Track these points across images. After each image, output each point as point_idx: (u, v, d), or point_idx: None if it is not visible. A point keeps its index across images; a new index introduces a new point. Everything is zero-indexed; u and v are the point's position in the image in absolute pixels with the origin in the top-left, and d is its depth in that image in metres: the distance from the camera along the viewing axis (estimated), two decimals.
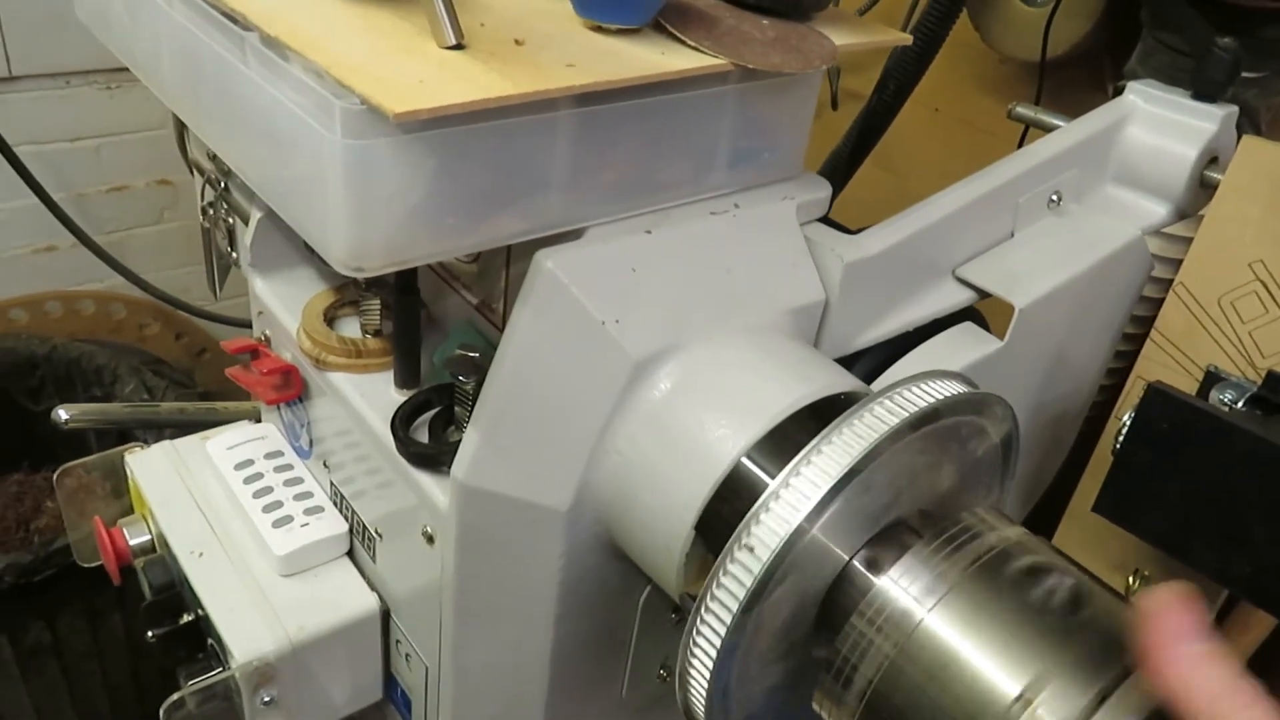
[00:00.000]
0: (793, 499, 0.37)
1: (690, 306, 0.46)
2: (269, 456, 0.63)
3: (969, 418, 0.42)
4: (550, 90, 0.39)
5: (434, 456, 0.49)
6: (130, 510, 0.66)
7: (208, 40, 0.45)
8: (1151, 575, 0.71)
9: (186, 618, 0.58)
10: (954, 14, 0.78)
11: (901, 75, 0.80)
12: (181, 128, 0.73)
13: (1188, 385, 0.67)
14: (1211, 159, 0.65)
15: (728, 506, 0.41)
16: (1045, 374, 0.62)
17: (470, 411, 0.48)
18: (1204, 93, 0.65)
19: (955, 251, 0.57)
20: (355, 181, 0.38)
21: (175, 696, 0.54)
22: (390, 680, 0.60)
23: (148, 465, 0.65)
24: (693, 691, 0.39)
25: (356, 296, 0.60)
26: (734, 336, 0.47)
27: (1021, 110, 0.74)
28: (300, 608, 0.56)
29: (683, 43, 0.45)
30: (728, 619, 0.37)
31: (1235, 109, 0.65)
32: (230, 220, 0.67)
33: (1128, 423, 0.62)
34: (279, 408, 0.64)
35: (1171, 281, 0.68)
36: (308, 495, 0.61)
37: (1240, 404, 0.64)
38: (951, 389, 0.40)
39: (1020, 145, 0.82)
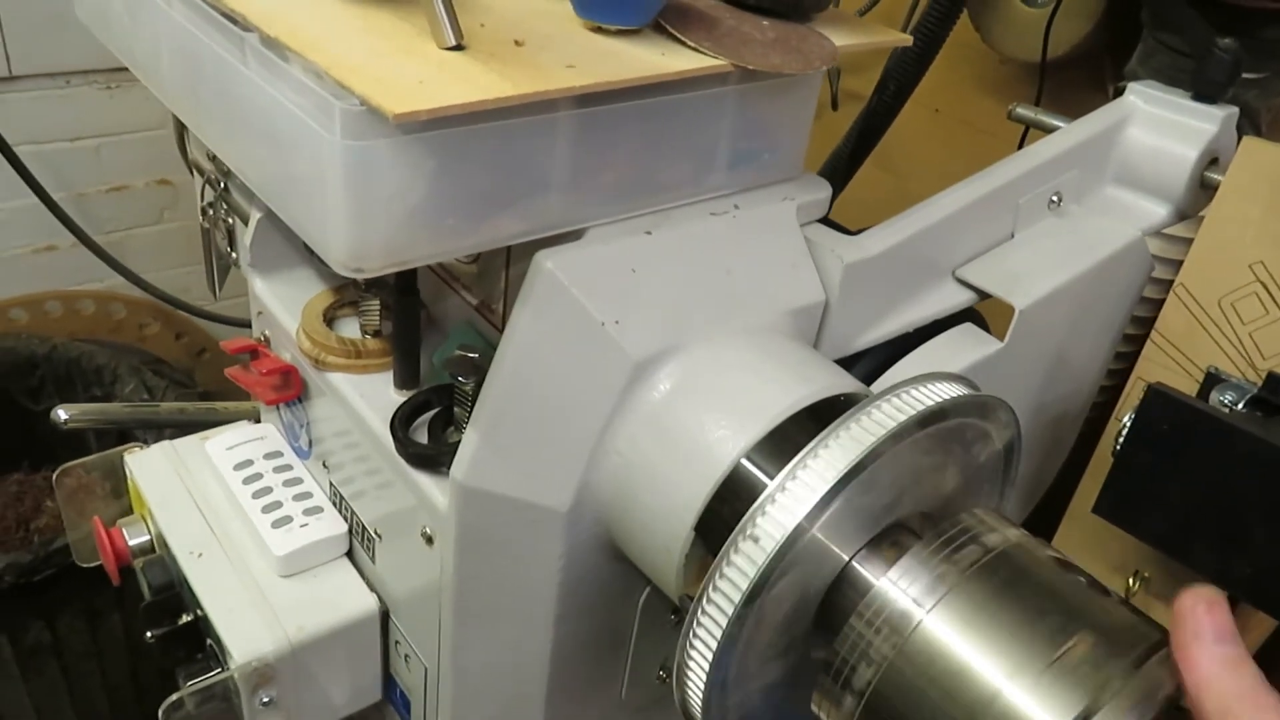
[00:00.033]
0: (798, 493, 0.37)
1: (690, 307, 0.46)
2: (268, 457, 0.63)
3: (974, 420, 0.42)
4: (550, 91, 0.39)
5: (433, 457, 0.49)
6: (129, 510, 0.66)
7: (207, 41, 0.45)
8: (1151, 577, 0.71)
9: (185, 618, 0.58)
10: (954, 15, 0.78)
11: (902, 76, 0.80)
12: (181, 128, 0.73)
13: (1188, 386, 0.67)
14: (1212, 160, 0.65)
15: (727, 507, 0.41)
16: (1045, 375, 0.62)
17: (470, 412, 0.48)
18: (1204, 94, 0.65)
19: (955, 252, 0.57)
20: (355, 182, 0.38)
21: (174, 697, 0.54)
22: (389, 681, 0.60)
23: (147, 465, 0.65)
24: (690, 687, 0.39)
25: (356, 297, 0.60)
26: (734, 337, 0.47)
27: (1022, 111, 0.73)
28: (299, 608, 0.56)
29: (683, 44, 0.45)
30: (729, 609, 0.37)
31: (1235, 110, 0.65)
32: (230, 220, 0.67)
33: (1128, 424, 0.62)
34: (278, 408, 0.64)
35: (1172, 282, 0.68)
36: (307, 496, 0.61)
37: (1240, 405, 0.64)
38: (955, 390, 0.40)
39: (1020, 146, 0.82)
